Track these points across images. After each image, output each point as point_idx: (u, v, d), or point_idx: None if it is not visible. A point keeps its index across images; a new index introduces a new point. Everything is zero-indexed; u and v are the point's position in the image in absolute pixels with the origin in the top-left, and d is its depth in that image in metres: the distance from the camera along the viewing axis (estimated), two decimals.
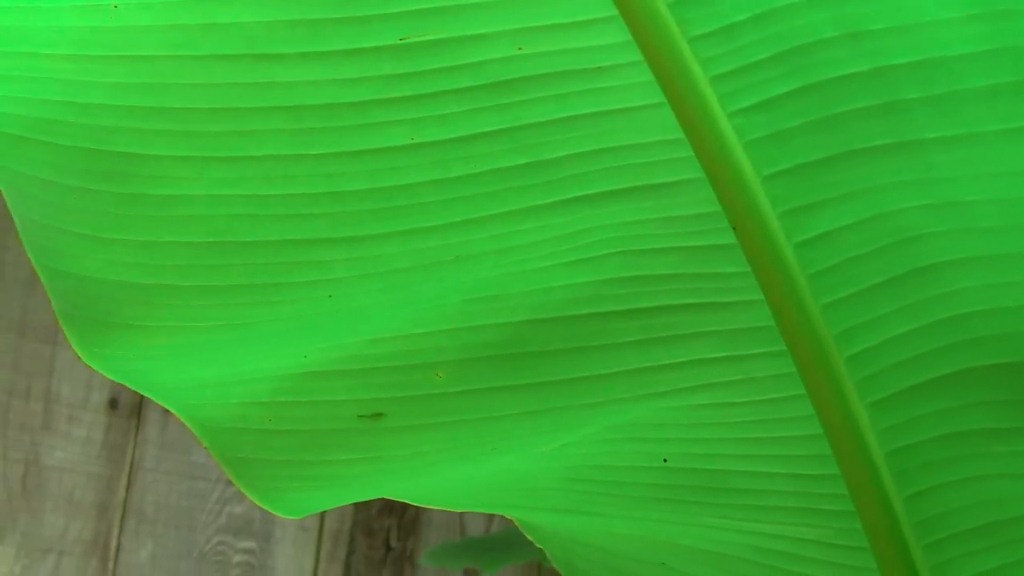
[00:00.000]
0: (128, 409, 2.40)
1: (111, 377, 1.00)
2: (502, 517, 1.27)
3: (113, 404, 2.39)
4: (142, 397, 2.32)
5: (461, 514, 2.48)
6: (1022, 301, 0.92)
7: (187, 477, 2.38)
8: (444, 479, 1.06)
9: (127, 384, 1.00)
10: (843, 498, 1.02)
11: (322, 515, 2.41)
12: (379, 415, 1.00)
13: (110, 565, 2.34)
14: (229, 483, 2.34)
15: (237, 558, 2.39)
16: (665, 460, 1.04)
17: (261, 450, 1.02)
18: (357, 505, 2.43)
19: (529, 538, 1.05)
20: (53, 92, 0.92)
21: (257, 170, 0.94)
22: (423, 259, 0.96)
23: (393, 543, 2.44)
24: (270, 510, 1.05)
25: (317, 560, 2.42)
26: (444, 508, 1.09)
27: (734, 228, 0.94)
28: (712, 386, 1.01)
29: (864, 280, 0.95)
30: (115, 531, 2.35)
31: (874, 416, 0.98)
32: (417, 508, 2.43)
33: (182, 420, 1.02)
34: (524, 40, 0.91)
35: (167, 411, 2.37)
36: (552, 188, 0.95)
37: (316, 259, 0.96)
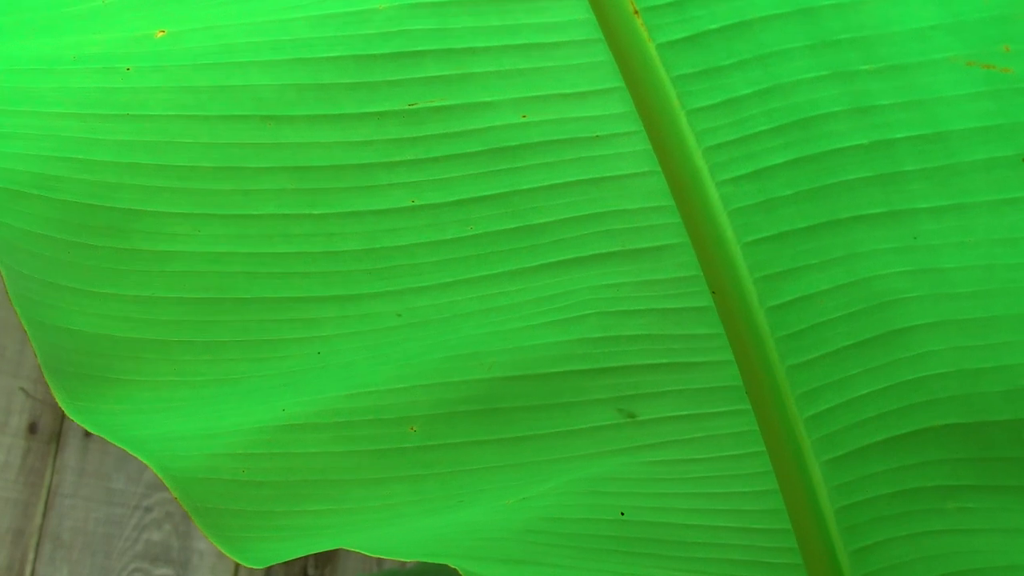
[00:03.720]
0: (47, 434, 2.36)
1: (91, 430, 0.99)
2: None
3: (32, 429, 2.34)
4: (62, 422, 2.28)
5: None
6: (983, 363, 0.97)
7: (105, 503, 2.35)
8: (402, 530, 1.07)
9: (105, 436, 1.00)
10: (792, 551, 1.06)
11: None
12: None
13: None
14: (147, 510, 2.32)
15: None
16: (622, 513, 1.07)
17: (232, 500, 1.03)
18: None
19: None
20: (56, 149, 0.93)
21: (257, 228, 0.95)
22: (412, 318, 0.98)
23: (311, 571, 2.43)
24: (237, 560, 1.06)
25: None
26: (397, 559, 1.10)
27: (713, 292, 0.98)
28: (674, 443, 1.04)
29: (832, 343, 0.99)
30: (31, 557, 2.30)
31: (828, 473, 1.02)
32: None
33: (155, 471, 1.02)
34: (528, 108, 0.94)
35: (87, 436, 2.34)
36: (539, 251, 0.98)
37: (308, 317, 0.98)
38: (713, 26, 0.92)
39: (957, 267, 0.95)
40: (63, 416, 2.35)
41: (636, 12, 0.92)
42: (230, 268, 0.96)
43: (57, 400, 0.97)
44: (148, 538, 2.32)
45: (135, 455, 1.02)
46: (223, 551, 1.06)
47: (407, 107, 0.93)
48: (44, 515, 2.30)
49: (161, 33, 0.92)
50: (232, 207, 0.94)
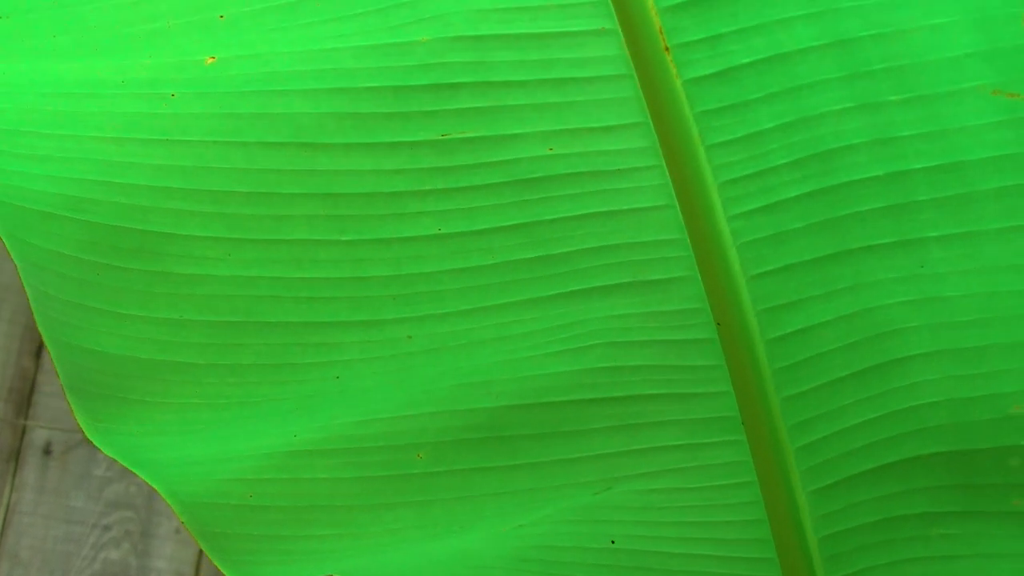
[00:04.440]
0: (6, 452, 2.33)
1: (107, 452, 1.00)
2: None
3: None
4: (21, 440, 2.24)
5: None
6: (974, 392, 1.01)
7: (64, 521, 2.32)
8: (404, 555, 1.09)
9: (118, 459, 1.01)
10: None
11: (197, 562, 2.36)
12: None
13: None
14: (105, 528, 2.30)
15: None
16: (613, 541, 1.09)
17: (239, 525, 1.04)
18: None
19: None
20: (91, 172, 0.94)
21: (286, 253, 0.97)
22: (431, 344, 1.00)
23: None
24: None
25: None
26: None
27: (718, 324, 1.02)
28: (668, 472, 1.07)
29: (829, 374, 1.02)
30: None
31: (814, 503, 1.06)
32: None
33: (163, 496, 1.03)
34: (555, 141, 0.97)
35: (47, 454, 2.31)
36: (556, 281, 1.00)
37: (331, 341, 0.99)
38: (747, 60, 0.95)
39: (960, 295, 0.98)
40: (23, 434, 2.32)
41: (667, 49, 0.95)
42: (258, 292, 0.97)
43: (78, 421, 0.98)
44: (106, 556, 2.30)
45: (145, 479, 1.03)
46: (227, 575, 1.06)
47: (440, 137, 0.96)
48: (2, 533, 2.28)
49: (211, 60, 0.93)
50: (263, 232, 0.96)
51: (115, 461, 2.26)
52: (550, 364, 1.03)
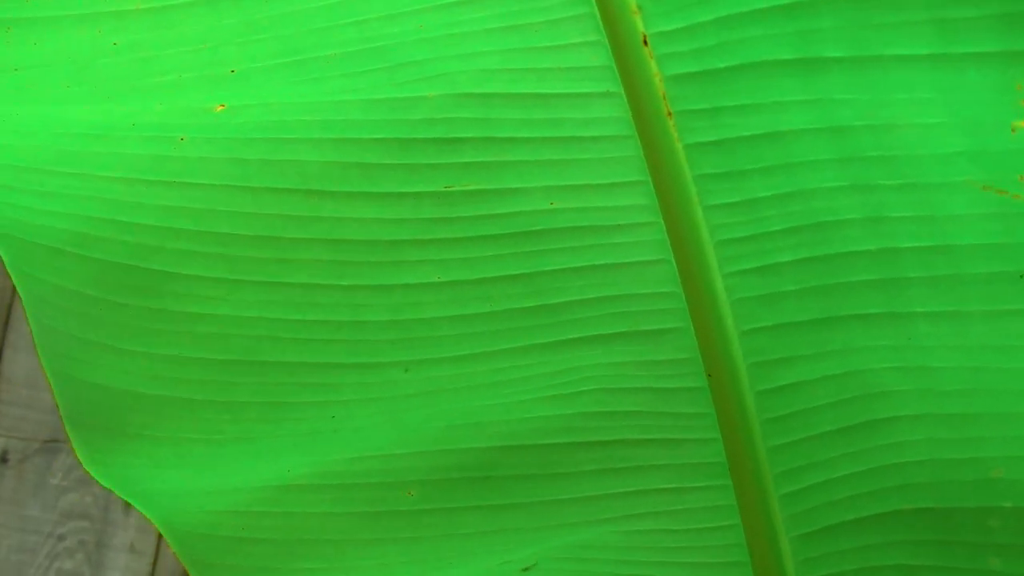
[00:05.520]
0: None
1: (103, 483, 1.02)
2: None
3: None
4: None
5: None
6: (958, 455, 1.03)
7: (18, 531, 2.32)
8: None
9: (115, 490, 1.02)
10: None
11: (151, 573, 2.37)
12: None
13: None
14: (60, 538, 2.30)
15: None
16: None
17: (230, 556, 1.06)
18: None
19: None
20: (99, 210, 0.95)
21: (287, 295, 0.98)
22: (427, 387, 1.02)
23: None
24: None
25: None
26: None
27: (708, 375, 1.03)
28: (654, 514, 1.09)
29: (816, 428, 1.05)
30: None
31: (796, 548, 1.08)
32: None
33: (157, 526, 1.04)
34: (557, 196, 0.98)
35: (3, 463, 2.31)
36: (553, 329, 1.02)
37: (328, 382, 1.01)
38: (744, 134, 0.98)
39: (947, 367, 1.01)
40: None
41: (670, 114, 0.97)
42: (257, 332, 0.99)
43: (76, 452, 0.99)
44: (60, 567, 2.31)
45: (140, 510, 1.04)
46: None
47: (443, 189, 0.97)
48: None
49: (221, 107, 0.95)
50: (265, 274, 0.98)
51: (71, 471, 2.27)
52: (542, 408, 1.05)
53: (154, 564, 2.31)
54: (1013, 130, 0.95)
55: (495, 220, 0.99)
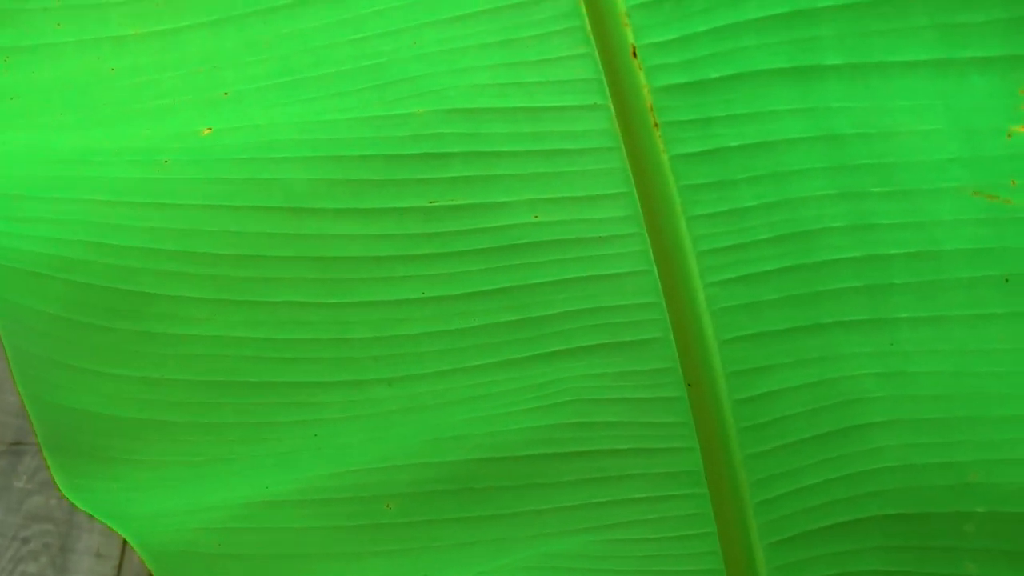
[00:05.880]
0: None
1: (81, 507, 1.00)
2: None
3: None
4: None
5: None
6: (932, 459, 1.04)
7: None
8: None
9: (92, 513, 1.00)
10: None
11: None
12: None
13: None
14: (24, 541, 2.26)
15: None
16: None
17: (208, 573, 1.04)
18: None
19: None
20: (82, 234, 0.94)
21: (271, 315, 0.97)
22: (410, 403, 1.01)
23: None
24: None
25: None
26: None
27: (688, 384, 1.04)
28: (631, 523, 1.09)
29: (792, 435, 1.05)
30: None
31: (770, 554, 1.08)
32: None
33: (133, 547, 1.03)
34: (541, 209, 0.98)
35: None
36: (535, 342, 1.02)
37: (312, 400, 1.00)
38: (735, 143, 0.98)
39: (926, 371, 1.02)
40: None
41: (656, 125, 0.97)
42: (241, 352, 0.98)
43: (53, 477, 0.97)
44: (24, 570, 2.27)
45: (118, 532, 1.03)
46: None
47: (428, 204, 0.97)
48: None
49: (207, 131, 0.93)
50: (250, 294, 0.96)
51: (36, 473, 2.23)
52: (523, 420, 1.05)
53: (119, 568, 2.28)
54: (1009, 135, 0.96)
55: (480, 234, 0.99)
